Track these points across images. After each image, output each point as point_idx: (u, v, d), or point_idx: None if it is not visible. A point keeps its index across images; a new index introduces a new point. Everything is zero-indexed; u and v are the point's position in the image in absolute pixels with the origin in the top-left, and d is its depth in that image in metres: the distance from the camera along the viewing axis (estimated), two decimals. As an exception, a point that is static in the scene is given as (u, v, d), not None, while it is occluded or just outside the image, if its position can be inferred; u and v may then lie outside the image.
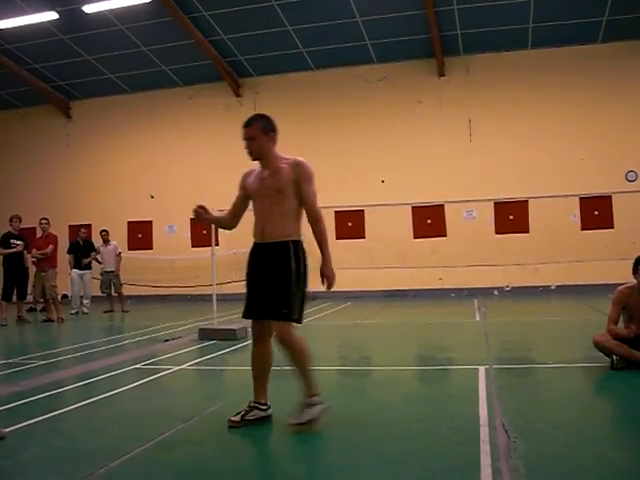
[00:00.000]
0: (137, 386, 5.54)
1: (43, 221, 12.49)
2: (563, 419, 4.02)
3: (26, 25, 15.55)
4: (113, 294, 14.56)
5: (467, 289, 16.21)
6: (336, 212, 16.65)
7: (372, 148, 17.28)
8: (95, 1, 14.82)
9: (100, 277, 14.78)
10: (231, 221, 4.29)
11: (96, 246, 14.58)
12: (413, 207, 17.18)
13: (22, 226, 12.32)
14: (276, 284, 3.86)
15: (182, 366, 6.56)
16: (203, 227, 15.56)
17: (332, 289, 4.01)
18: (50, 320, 12.06)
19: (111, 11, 15.37)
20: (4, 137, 20.17)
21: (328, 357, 6.80)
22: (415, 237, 17.13)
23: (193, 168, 18.44)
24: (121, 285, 14.74)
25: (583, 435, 3.67)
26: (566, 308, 12.65)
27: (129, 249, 18.19)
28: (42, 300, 12.69)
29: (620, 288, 5.50)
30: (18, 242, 11.97)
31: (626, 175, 16.10)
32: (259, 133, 3.96)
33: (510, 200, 16.54)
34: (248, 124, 4.00)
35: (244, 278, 4.09)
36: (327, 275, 3.96)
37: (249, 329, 4.63)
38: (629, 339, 5.29)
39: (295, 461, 3.45)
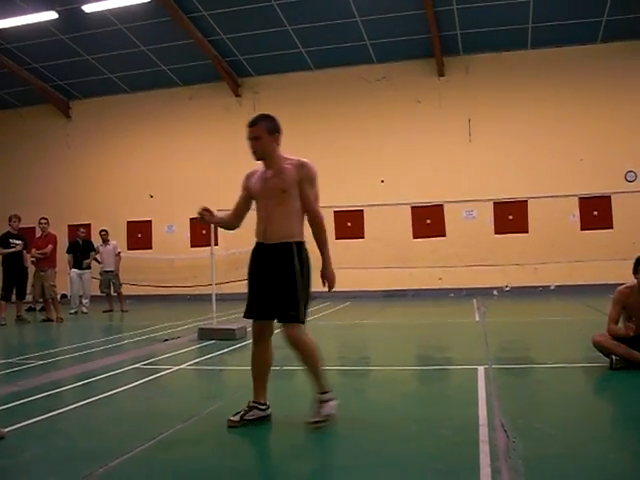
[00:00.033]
0: (136, 386, 5.53)
1: (42, 221, 12.49)
2: (562, 419, 4.02)
3: (26, 25, 15.54)
4: (112, 294, 14.56)
5: (466, 289, 16.22)
6: (335, 212, 16.62)
7: (371, 148, 17.28)
8: (94, 1, 14.83)
9: (99, 277, 14.78)
10: (235, 221, 4.26)
11: (95, 246, 14.58)
12: (412, 207, 17.18)
13: (21, 226, 12.31)
14: (281, 286, 3.86)
15: (181, 366, 6.55)
16: (202, 227, 15.51)
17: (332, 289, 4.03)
18: (49, 320, 12.06)
19: (110, 11, 15.38)
20: (3, 137, 20.16)
21: (327, 357, 6.71)
22: (414, 237, 17.13)
23: (193, 167, 18.44)
24: (120, 285, 14.73)
25: (582, 435, 3.67)
26: (565, 308, 12.65)
27: (128, 249, 18.17)
28: (41, 300, 12.68)
29: (620, 288, 5.51)
30: (17, 242, 11.96)
31: (625, 175, 16.11)
32: (264, 133, 3.93)
33: (509, 200, 16.54)
34: (253, 124, 3.96)
35: (244, 278, 4.08)
36: (328, 277, 3.99)
37: (248, 329, 4.63)
38: (628, 339, 5.29)
39: (294, 461, 3.44)
